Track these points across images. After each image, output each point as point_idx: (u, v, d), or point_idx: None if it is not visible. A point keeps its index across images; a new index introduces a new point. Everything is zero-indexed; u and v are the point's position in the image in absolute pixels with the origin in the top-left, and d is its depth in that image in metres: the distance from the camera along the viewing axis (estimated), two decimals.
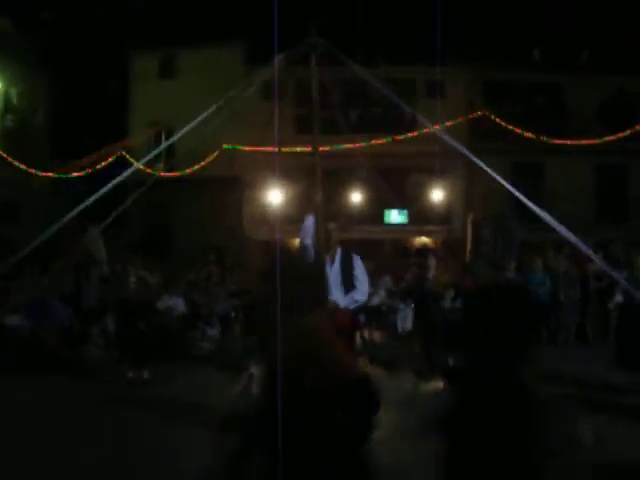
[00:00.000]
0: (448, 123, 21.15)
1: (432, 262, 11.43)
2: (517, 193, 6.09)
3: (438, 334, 9.99)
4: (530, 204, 5.53)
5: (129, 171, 6.47)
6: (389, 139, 22.58)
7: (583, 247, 5.54)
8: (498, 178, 6.14)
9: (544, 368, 10.49)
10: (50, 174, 18.69)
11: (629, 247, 15.03)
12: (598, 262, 6.20)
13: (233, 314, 13.76)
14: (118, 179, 5.96)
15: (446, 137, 5.81)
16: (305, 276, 3.72)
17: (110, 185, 5.89)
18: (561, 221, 6.09)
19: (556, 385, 9.44)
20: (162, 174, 23.74)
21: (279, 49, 5.95)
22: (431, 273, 11.22)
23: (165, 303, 13.63)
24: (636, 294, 8.33)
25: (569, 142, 22.79)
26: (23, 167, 19.36)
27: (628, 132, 22.55)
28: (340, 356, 3.50)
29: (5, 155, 21.09)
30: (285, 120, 21.86)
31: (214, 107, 6.50)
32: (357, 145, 20.15)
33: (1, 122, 23.98)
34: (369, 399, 3.41)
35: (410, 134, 22.09)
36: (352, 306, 6.97)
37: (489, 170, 6.09)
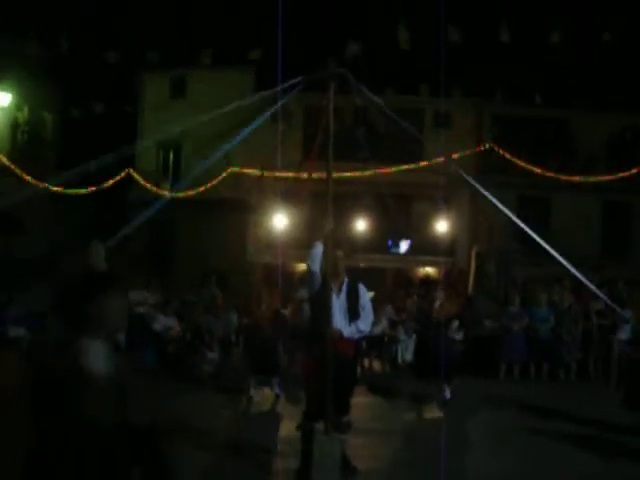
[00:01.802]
0: (455, 155, 21.22)
1: (439, 293, 11.36)
2: (523, 225, 6.06)
3: (438, 364, 9.94)
4: (537, 238, 5.50)
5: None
6: (396, 168, 22.60)
7: (589, 285, 5.50)
8: (505, 210, 6.12)
9: (543, 404, 10.47)
10: (58, 189, 18.71)
11: (631, 285, 14.98)
12: (605, 300, 6.15)
13: (233, 338, 13.70)
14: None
15: (456, 168, 5.81)
16: None
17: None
18: (566, 257, 6.07)
19: (555, 422, 9.42)
20: (168, 194, 23.88)
21: (295, 74, 5.98)
22: (437, 303, 11.15)
23: (161, 323, 13.63)
24: None
25: (576, 178, 22.82)
26: (33, 181, 19.39)
27: (634, 171, 22.59)
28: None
29: (13, 167, 21.17)
30: (293, 145, 21.93)
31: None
32: (364, 173, 20.21)
33: (12, 135, 24.07)
34: None
35: (418, 164, 22.15)
36: (356, 336, 6.93)
37: (497, 202, 6.07)
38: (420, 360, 11.33)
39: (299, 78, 6.08)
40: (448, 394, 10.61)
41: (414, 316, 14.22)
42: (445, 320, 11.21)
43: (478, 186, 6.39)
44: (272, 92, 6.42)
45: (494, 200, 6.20)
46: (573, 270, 5.34)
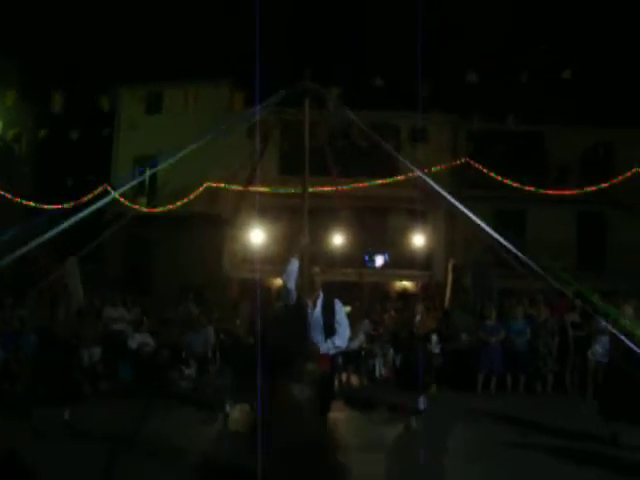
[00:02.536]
0: (436, 167, 21.33)
1: (419, 307, 11.42)
2: (503, 240, 6.09)
3: (419, 376, 9.97)
4: (518, 253, 5.53)
5: (106, 199, 6.27)
6: (373, 182, 22.69)
7: (567, 295, 5.54)
8: (484, 225, 6.14)
9: (520, 416, 10.49)
10: (32, 203, 18.55)
11: (607, 296, 15.09)
12: (580, 311, 6.20)
13: (210, 354, 13.62)
14: (92, 208, 5.59)
15: (432, 183, 5.84)
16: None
17: (85, 212, 5.53)
18: (543, 270, 6.10)
19: (532, 434, 9.46)
20: (144, 209, 23.77)
21: (271, 90, 6.01)
22: (417, 318, 11.20)
23: (137, 340, 13.58)
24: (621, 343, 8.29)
25: (551, 192, 23.03)
26: (7, 195, 19.20)
27: (607, 184, 22.85)
28: None
29: None
30: (269, 160, 21.89)
31: (194, 145, 6.36)
32: (340, 188, 20.26)
33: None
34: None
35: (394, 178, 22.24)
36: (332, 351, 6.91)
37: (473, 216, 6.10)
38: (403, 373, 11.34)
39: (275, 95, 6.11)
40: (422, 405, 10.62)
41: (394, 330, 14.25)
42: (424, 334, 11.25)
43: (457, 203, 6.42)
44: (249, 111, 6.44)
45: (473, 216, 6.23)
46: (552, 282, 5.35)
